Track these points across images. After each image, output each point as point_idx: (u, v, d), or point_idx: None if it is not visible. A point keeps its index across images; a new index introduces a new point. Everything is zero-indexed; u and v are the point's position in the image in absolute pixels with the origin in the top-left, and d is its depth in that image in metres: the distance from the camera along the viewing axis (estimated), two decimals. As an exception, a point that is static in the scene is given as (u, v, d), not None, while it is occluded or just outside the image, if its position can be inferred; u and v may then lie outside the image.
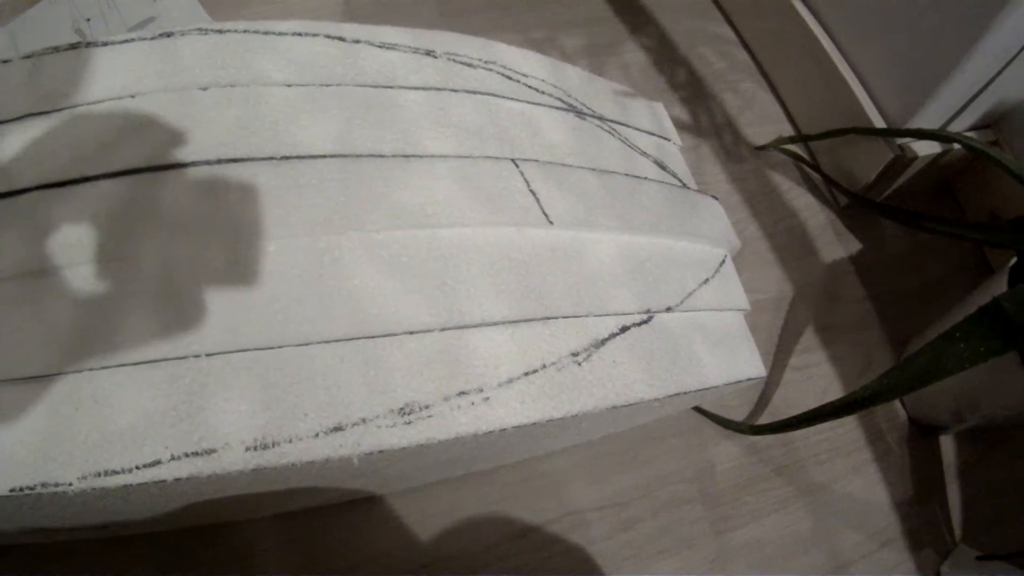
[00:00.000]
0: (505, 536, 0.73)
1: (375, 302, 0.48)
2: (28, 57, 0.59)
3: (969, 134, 1.01)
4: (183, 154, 0.52)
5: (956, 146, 0.96)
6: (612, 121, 0.74)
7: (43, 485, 0.41)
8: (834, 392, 0.92)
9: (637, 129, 0.76)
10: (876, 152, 0.99)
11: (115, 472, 0.42)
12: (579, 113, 0.70)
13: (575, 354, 0.53)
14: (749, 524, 0.81)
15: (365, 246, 0.50)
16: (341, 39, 0.63)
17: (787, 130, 1.13)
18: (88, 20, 1.13)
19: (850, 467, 0.88)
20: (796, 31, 1.10)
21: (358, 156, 0.54)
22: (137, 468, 0.42)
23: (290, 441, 0.43)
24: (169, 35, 0.61)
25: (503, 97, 0.65)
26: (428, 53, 0.65)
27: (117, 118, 0.54)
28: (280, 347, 0.46)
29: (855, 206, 1.06)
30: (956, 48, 0.88)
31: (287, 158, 0.53)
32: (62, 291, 0.47)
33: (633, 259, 0.62)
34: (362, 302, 0.48)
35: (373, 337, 0.47)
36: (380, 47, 0.63)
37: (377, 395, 0.45)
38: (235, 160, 0.52)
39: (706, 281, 0.67)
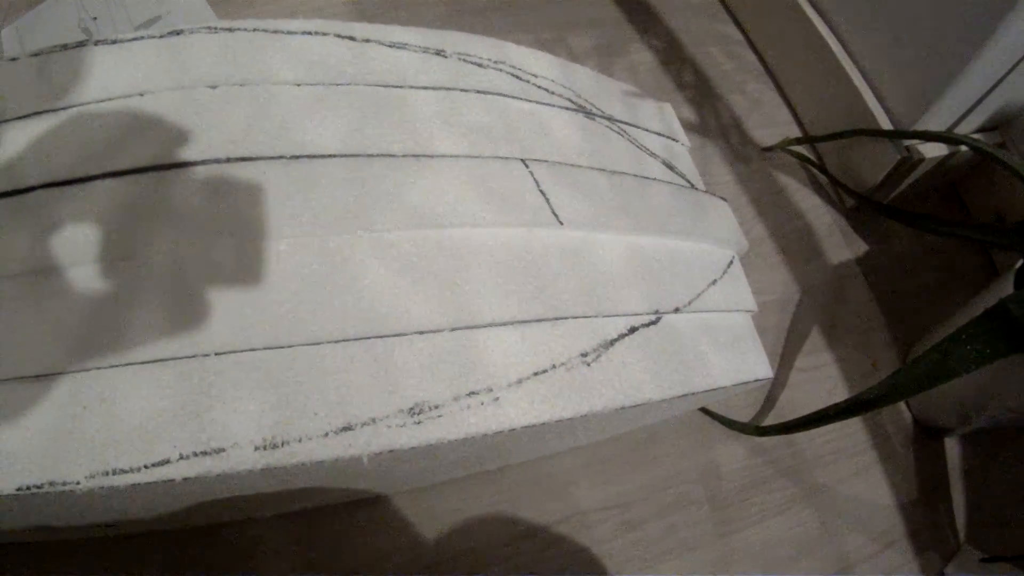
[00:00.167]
0: (510, 536, 0.73)
1: (385, 302, 0.48)
2: (36, 55, 0.59)
3: (976, 136, 1.01)
4: (192, 153, 0.52)
5: (963, 148, 0.95)
6: (621, 122, 0.74)
7: (51, 484, 0.41)
8: (840, 393, 0.92)
9: (646, 130, 0.76)
10: (883, 154, 0.99)
11: (124, 471, 0.42)
12: (588, 114, 0.70)
13: (584, 355, 0.53)
14: (754, 525, 0.81)
15: (375, 246, 0.50)
16: (351, 38, 0.63)
17: (794, 131, 1.12)
18: (95, 19, 1.13)
19: (855, 469, 0.88)
20: (803, 32, 1.10)
21: (368, 156, 0.54)
22: (146, 467, 0.42)
23: (299, 440, 0.43)
24: (178, 33, 0.61)
25: (513, 97, 0.65)
26: (438, 53, 0.65)
27: (125, 116, 0.54)
28: (289, 346, 0.46)
29: (862, 208, 1.06)
30: (963, 50, 0.88)
31: (297, 157, 0.53)
32: (69, 290, 0.47)
33: (641, 260, 0.62)
34: (372, 302, 0.48)
35: (383, 337, 0.47)
36: (390, 46, 0.63)
37: (387, 395, 0.45)
38: (244, 159, 0.52)
39: (714, 282, 0.67)
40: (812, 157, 1.10)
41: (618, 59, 1.11)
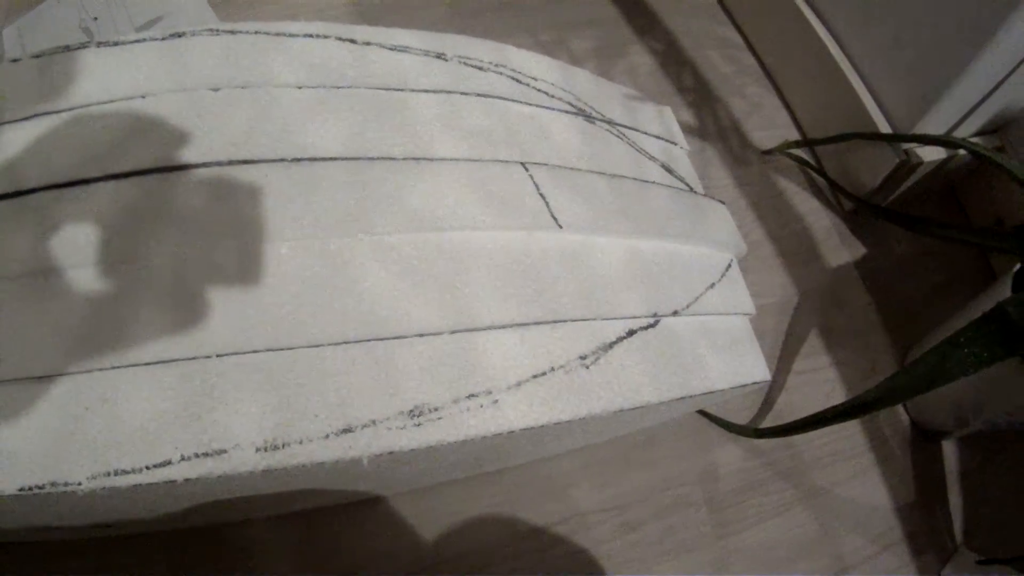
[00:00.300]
0: (509, 537, 0.73)
1: (385, 304, 0.48)
2: (38, 56, 0.59)
3: (974, 140, 1.01)
4: (193, 155, 0.52)
5: (961, 152, 0.96)
6: (621, 125, 0.74)
7: (52, 484, 0.42)
8: (838, 396, 0.92)
9: (645, 133, 0.77)
10: (881, 157, 0.99)
11: (125, 472, 0.42)
12: (588, 117, 0.70)
13: (583, 357, 0.53)
14: (752, 527, 0.81)
15: (376, 249, 0.50)
16: (352, 41, 0.63)
17: (793, 134, 1.13)
18: (95, 19, 1.12)
19: (853, 471, 0.88)
20: (802, 35, 1.10)
21: (369, 159, 0.54)
22: (147, 468, 0.42)
23: (300, 442, 0.43)
24: (180, 35, 0.61)
25: (513, 100, 0.65)
26: (439, 56, 0.65)
27: (127, 118, 0.54)
28: (290, 348, 0.46)
29: (860, 211, 1.07)
30: (962, 54, 0.88)
31: (298, 160, 0.53)
32: (71, 291, 0.47)
33: (640, 263, 0.62)
34: (372, 304, 0.48)
35: (383, 339, 0.47)
36: (391, 49, 0.64)
37: (387, 397, 0.45)
38: (246, 162, 0.52)
39: (712, 285, 0.68)
40: (811, 160, 1.10)
41: (618, 61, 1.11)
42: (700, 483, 0.81)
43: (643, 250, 0.63)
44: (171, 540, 0.67)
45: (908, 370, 0.65)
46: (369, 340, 0.47)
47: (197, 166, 0.52)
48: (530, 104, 0.66)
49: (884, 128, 1.00)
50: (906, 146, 0.97)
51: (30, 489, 0.42)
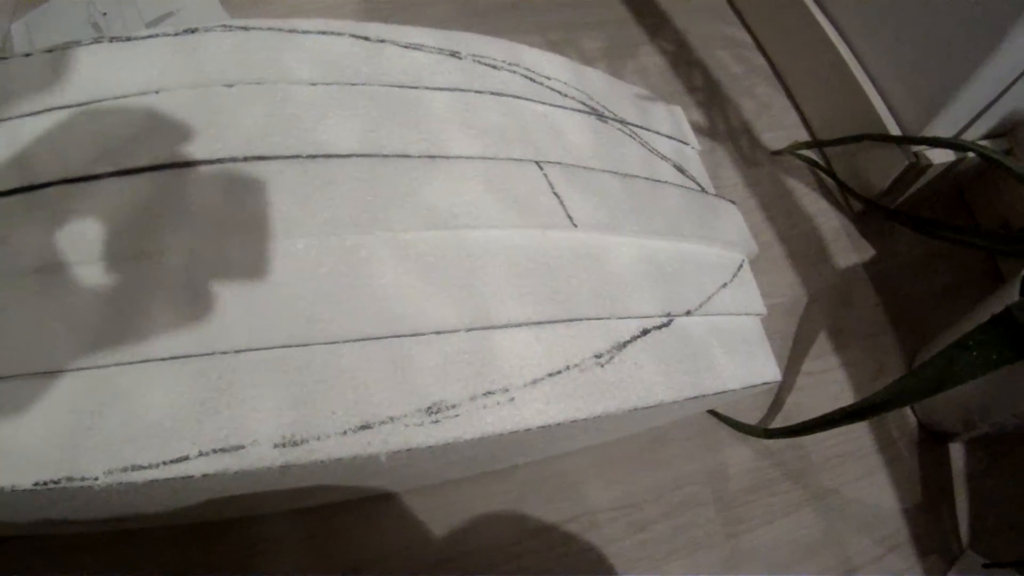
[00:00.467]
0: (520, 535, 0.73)
1: (402, 302, 0.48)
2: (50, 51, 0.59)
3: (983, 143, 1.01)
4: (207, 151, 0.52)
5: (970, 154, 0.96)
6: (632, 124, 0.74)
7: (68, 479, 0.42)
8: (846, 397, 0.92)
9: (657, 133, 0.77)
10: (891, 159, 0.99)
11: (141, 467, 0.42)
12: (601, 116, 0.70)
13: (598, 356, 0.53)
14: (760, 527, 0.81)
15: (392, 246, 0.50)
16: (366, 38, 0.63)
17: (802, 135, 1.13)
18: (104, 14, 1.12)
19: (860, 472, 0.88)
20: (812, 36, 1.10)
21: (384, 156, 0.54)
22: (164, 464, 0.42)
23: (318, 438, 0.43)
24: (193, 31, 0.61)
25: (526, 99, 0.65)
26: (453, 54, 0.65)
27: (141, 114, 0.55)
28: (307, 345, 0.46)
29: (869, 212, 1.07)
30: (971, 57, 0.88)
31: (313, 157, 0.53)
32: (84, 286, 0.47)
33: (653, 262, 0.62)
34: (389, 301, 0.48)
35: (400, 336, 0.47)
36: (405, 47, 0.64)
37: (405, 394, 0.45)
38: (261, 158, 0.52)
39: (724, 285, 0.68)
40: (820, 161, 1.10)
41: (628, 61, 1.11)
42: (710, 482, 0.81)
43: (656, 250, 0.63)
44: (179, 535, 0.67)
45: (916, 373, 0.66)
46: (386, 337, 0.47)
47: (211, 162, 0.52)
48: (543, 103, 0.66)
49: (893, 129, 1.00)
50: (915, 148, 0.97)
51: (45, 484, 0.42)
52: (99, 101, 0.55)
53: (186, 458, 0.42)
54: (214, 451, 0.42)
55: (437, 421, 0.45)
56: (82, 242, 0.48)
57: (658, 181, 0.69)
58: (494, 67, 0.67)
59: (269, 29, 0.62)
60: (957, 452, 0.94)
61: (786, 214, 1.04)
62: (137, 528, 0.66)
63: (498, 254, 0.53)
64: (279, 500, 0.60)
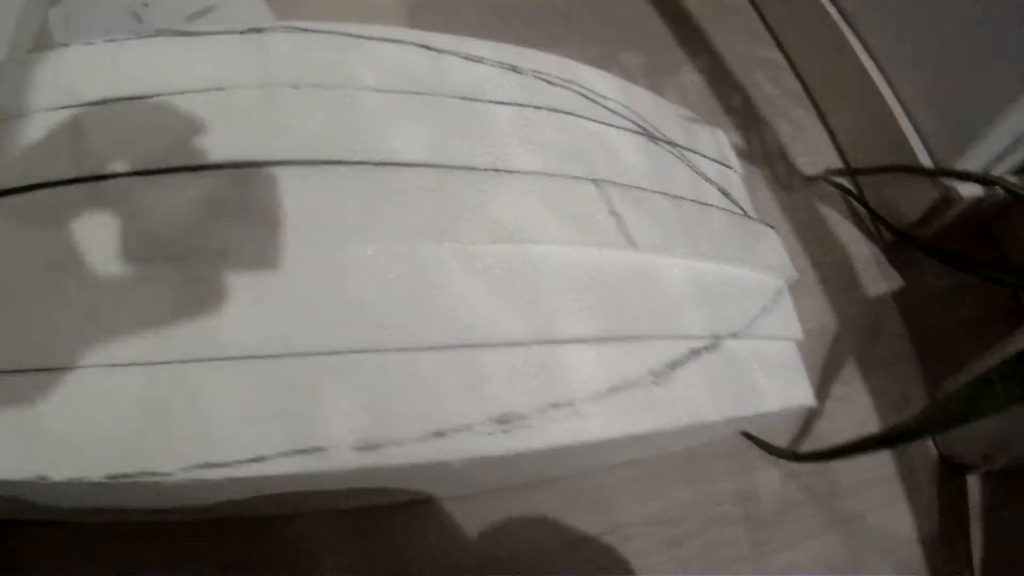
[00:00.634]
0: (557, 544, 0.74)
1: (471, 312, 0.49)
2: (111, 41, 0.60)
3: (1012, 178, 1.02)
4: (277, 152, 0.53)
5: (999, 189, 0.97)
6: (680, 146, 0.75)
7: (141, 473, 0.43)
8: (872, 424, 0.93)
9: (702, 155, 0.78)
10: (921, 190, 1.00)
11: (217, 465, 0.43)
12: (651, 137, 0.72)
13: (654, 374, 0.54)
14: (786, 549, 0.82)
15: (461, 257, 0.51)
16: (429, 48, 0.64)
17: (835, 160, 1.14)
18: (146, 5, 1.11)
19: (883, 499, 0.89)
20: (846, 63, 1.11)
21: (450, 167, 0.55)
22: (240, 462, 0.43)
23: (396, 444, 0.44)
24: (258, 31, 0.62)
25: (582, 117, 0.66)
26: (512, 69, 0.66)
27: (210, 110, 0.55)
28: (378, 351, 0.47)
29: (899, 242, 1.08)
30: (1004, 92, 0.89)
31: (381, 164, 0.54)
32: (154, 280, 0.48)
33: (701, 285, 0.63)
34: (459, 311, 0.49)
35: (471, 346, 0.48)
36: (466, 59, 0.65)
37: (476, 403, 0.47)
38: (329, 162, 0.53)
39: (765, 310, 0.69)
40: (852, 188, 1.11)
41: (667, 78, 1.12)
42: (740, 503, 0.82)
43: (703, 272, 0.64)
44: (219, 530, 0.68)
45: (941, 405, 0.67)
46: (457, 346, 0.48)
47: (280, 163, 0.53)
48: (598, 122, 0.68)
49: (924, 160, 1.01)
50: (946, 181, 0.98)
51: (118, 477, 0.43)
52: (164, 95, 0.56)
53: (264, 458, 0.43)
54: (293, 452, 0.43)
55: (508, 431, 0.46)
56: (150, 236, 0.49)
57: (704, 204, 0.70)
58: (551, 83, 0.68)
59: (333, 33, 0.63)
60: (975, 484, 0.95)
61: (818, 240, 1.05)
62: (171, 521, 0.66)
63: (559, 269, 0.54)
64: (327, 500, 0.61)
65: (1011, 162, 1.00)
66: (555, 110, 0.65)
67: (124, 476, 0.43)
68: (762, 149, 1.11)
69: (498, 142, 0.59)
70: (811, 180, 1.10)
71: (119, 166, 0.52)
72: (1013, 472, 0.95)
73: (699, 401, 0.56)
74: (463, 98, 0.61)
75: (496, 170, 0.57)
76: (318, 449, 0.43)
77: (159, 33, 0.61)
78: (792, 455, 0.80)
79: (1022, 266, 1.09)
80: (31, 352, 0.45)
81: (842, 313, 1.00)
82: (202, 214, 0.50)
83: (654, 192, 0.65)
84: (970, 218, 1.06)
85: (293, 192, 0.51)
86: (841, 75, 1.14)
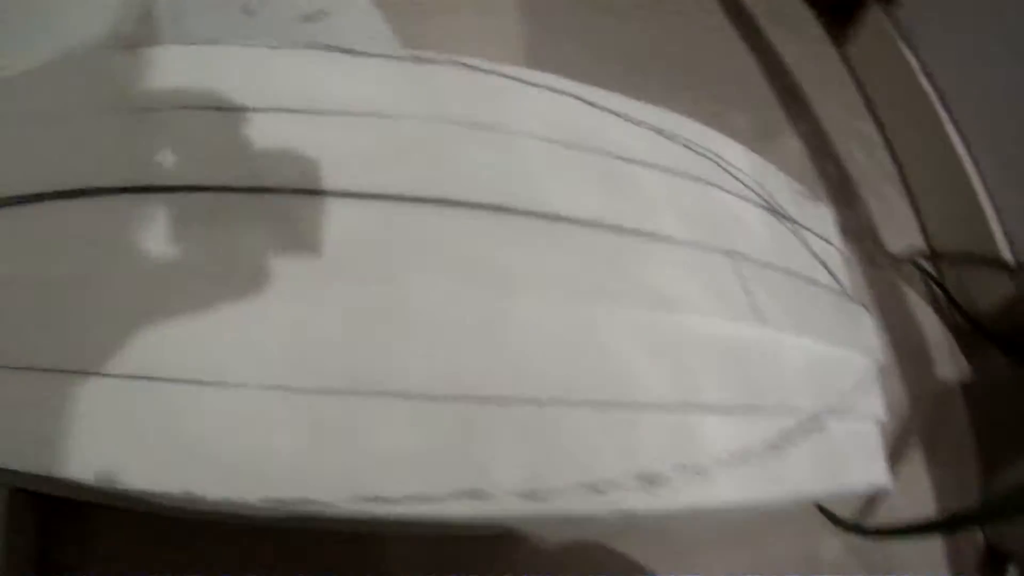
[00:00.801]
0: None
1: (627, 373, 0.52)
2: (253, 47, 0.62)
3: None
4: (441, 189, 0.55)
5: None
6: (796, 222, 0.78)
7: (303, 501, 0.44)
8: (928, 504, 0.95)
9: (813, 232, 0.81)
10: (1000, 283, 1.03)
11: (386, 500, 0.45)
12: (774, 212, 0.75)
13: (771, 447, 0.58)
14: (844, 618, 0.85)
15: (618, 318, 0.54)
16: (585, 101, 0.67)
17: (919, 240, 1.16)
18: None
19: (931, 579, 0.92)
20: (940, 147, 1.14)
21: (608, 227, 0.58)
22: (410, 500, 0.45)
23: (555, 494, 0.47)
24: (421, 60, 0.64)
25: (719, 187, 0.69)
26: (660, 132, 0.69)
27: (372, 135, 0.57)
28: (542, 402, 0.50)
29: (973, 330, 1.10)
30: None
31: (547, 216, 0.57)
32: (328, 304, 0.49)
33: (811, 362, 0.66)
34: (615, 371, 0.52)
35: (624, 406, 0.51)
36: (621, 117, 0.68)
37: (627, 461, 0.49)
38: (500, 208, 0.56)
39: (860, 389, 0.71)
40: (933, 271, 1.14)
41: (769, 143, 1.15)
42: (803, 568, 0.85)
43: (813, 350, 0.67)
44: (309, 540, 0.71)
45: (996, 498, 0.69)
46: (613, 405, 0.51)
47: (450, 203, 0.55)
48: (732, 193, 0.70)
49: (1007, 255, 1.03)
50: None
51: (273, 501, 0.44)
52: (324, 113, 0.58)
53: (432, 498, 0.45)
54: (462, 494, 0.45)
55: (653, 490, 0.49)
56: (318, 258, 0.50)
57: (815, 281, 0.73)
58: (693, 150, 0.71)
59: (495, 73, 0.66)
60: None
61: (897, 319, 1.08)
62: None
63: (702, 339, 0.57)
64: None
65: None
66: (697, 179, 0.68)
67: (281, 501, 0.44)
68: (853, 223, 1.14)
69: (648, 206, 0.62)
70: (892, 258, 1.13)
71: (283, 180, 0.53)
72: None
73: (806, 476, 0.59)
74: (618, 157, 0.64)
75: (649, 235, 0.59)
76: (485, 494, 0.46)
77: (312, 45, 0.63)
78: (858, 529, 0.83)
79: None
80: (186, 360, 0.46)
81: (911, 393, 1.03)
82: (371, 243, 0.51)
83: (776, 269, 0.68)
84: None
85: (464, 234, 0.53)
86: (933, 158, 1.16)
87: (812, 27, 1.38)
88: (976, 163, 1.10)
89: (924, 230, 1.18)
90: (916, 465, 0.98)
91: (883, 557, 0.90)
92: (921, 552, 0.92)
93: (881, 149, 1.25)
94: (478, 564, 0.74)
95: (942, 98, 1.17)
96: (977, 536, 0.97)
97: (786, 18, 1.36)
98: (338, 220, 0.52)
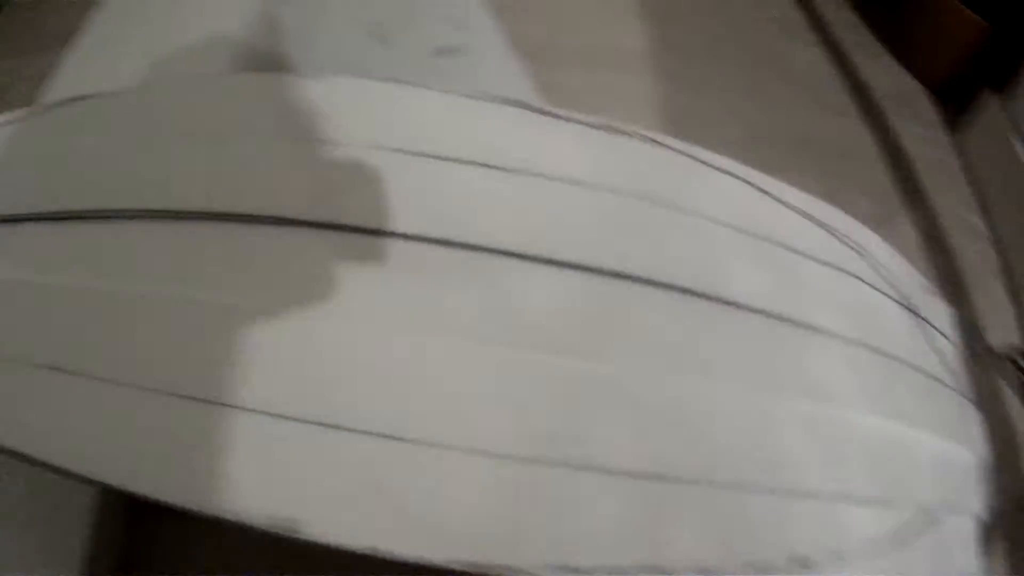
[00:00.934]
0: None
1: (791, 460, 0.57)
2: (430, 90, 0.65)
3: None
4: (646, 269, 0.58)
5: None
6: (924, 319, 0.82)
7: (495, 566, 0.47)
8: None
9: (938, 330, 0.85)
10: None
11: (578, 570, 0.47)
12: (911, 310, 0.79)
13: (900, 539, 0.61)
14: None
15: (788, 409, 0.59)
16: (766, 193, 0.71)
17: (1016, 337, 1.19)
18: (380, 24, 1.15)
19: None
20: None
21: (777, 317, 0.62)
22: (598, 570, 0.48)
23: (721, 572, 0.51)
24: (611, 130, 0.68)
25: (865, 282, 0.74)
26: (820, 224, 0.73)
27: (573, 203, 0.60)
28: (716, 484, 0.53)
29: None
30: None
31: (727, 302, 0.60)
32: (531, 371, 0.52)
33: (934, 457, 0.70)
34: (782, 458, 0.57)
35: (786, 491, 0.56)
36: (791, 208, 0.72)
37: (784, 544, 0.54)
38: (687, 291, 0.59)
39: (968, 487, 0.75)
40: (1028, 369, 1.17)
41: (888, 229, 1.19)
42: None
43: (936, 446, 0.71)
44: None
45: None
46: (776, 491, 0.55)
47: (650, 282, 0.58)
48: (875, 288, 0.75)
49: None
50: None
51: (471, 563, 0.46)
52: (521, 171, 0.61)
53: (619, 570, 0.48)
54: (644, 568, 0.49)
55: (803, 572, 0.53)
56: (521, 324, 0.53)
57: (938, 378, 0.77)
58: (847, 245, 0.75)
59: (684, 153, 0.69)
60: None
61: (991, 415, 1.11)
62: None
63: (854, 432, 0.62)
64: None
65: None
66: (848, 272, 0.72)
67: (474, 564, 0.46)
68: (959, 316, 1.17)
69: (814, 300, 0.66)
70: (994, 354, 1.16)
71: (486, 240, 0.55)
72: None
73: (924, 568, 0.64)
74: (788, 248, 0.68)
75: (811, 327, 0.64)
76: (663, 569, 0.49)
77: (506, 101, 0.66)
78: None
79: None
80: (385, 415, 0.48)
81: (1000, 488, 1.05)
82: (579, 315, 0.54)
83: (910, 365, 0.72)
84: None
85: (665, 316, 0.57)
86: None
87: (930, 112, 1.42)
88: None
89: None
90: (998, 559, 1.01)
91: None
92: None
93: (988, 244, 1.28)
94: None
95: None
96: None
97: (906, 101, 1.40)
98: (545, 287, 0.55)
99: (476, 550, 0.46)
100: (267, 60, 1.08)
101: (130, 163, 0.61)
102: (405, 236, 0.55)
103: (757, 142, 1.17)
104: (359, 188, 0.58)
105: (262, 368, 0.50)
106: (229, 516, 0.46)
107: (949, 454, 0.74)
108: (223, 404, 0.48)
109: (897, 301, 0.77)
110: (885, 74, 1.42)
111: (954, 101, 1.41)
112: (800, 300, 0.65)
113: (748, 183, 0.72)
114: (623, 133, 0.68)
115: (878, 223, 1.16)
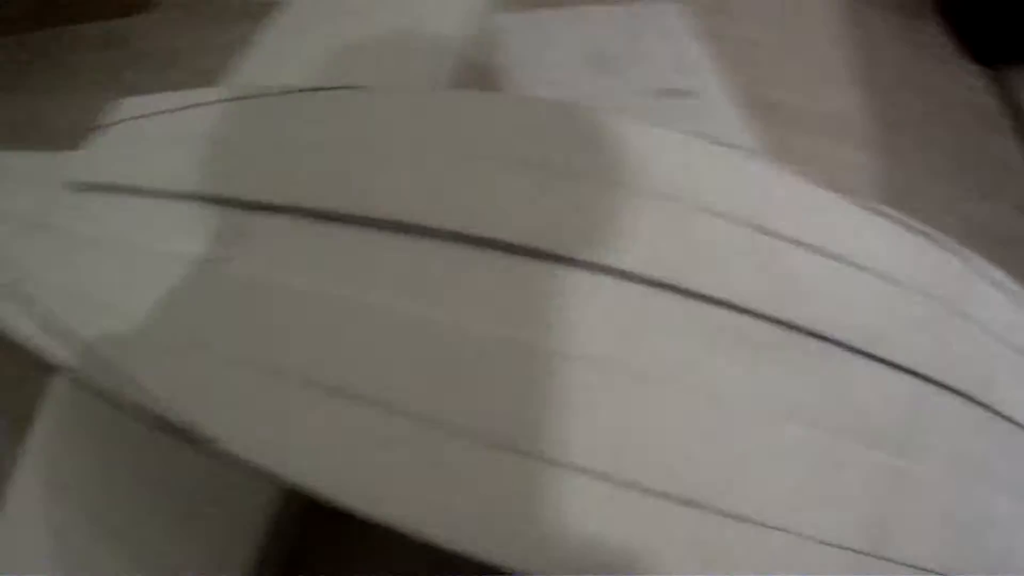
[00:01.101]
0: None
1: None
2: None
3: None
4: (958, 382, 0.57)
5: None
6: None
7: None
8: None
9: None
10: None
11: None
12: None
13: None
14: None
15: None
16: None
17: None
18: (601, 54, 1.14)
19: None
20: None
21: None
22: None
23: None
24: (911, 228, 0.64)
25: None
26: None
27: (891, 300, 0.58)
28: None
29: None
30: None
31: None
32: (860, 465, 0.51)
33: None
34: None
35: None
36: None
37: None
38: (986, 406, 0.57)
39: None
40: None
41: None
42: None
43: None
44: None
45: None
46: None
47: (959, 393, 0.57)
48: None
49: None
50: None
51: None
52: (836, 257, 0.58)
53: None
54: None
55: None
56: (849, 418, 0.52)
57: None
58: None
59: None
60: None
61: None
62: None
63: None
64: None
65: None
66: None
67: None
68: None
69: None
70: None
71: (825, 328, 0.54)
72: None
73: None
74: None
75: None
76: None
77: (804, 175, 0.62)
78: None
79: None
80: (730, 494, 0.48)
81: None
82: (902, 416, 0.53)
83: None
84: None
85: (964, 426, 0.57)
86: None
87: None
88: None
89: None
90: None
91: None
92: None
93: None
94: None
95: None
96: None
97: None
98: (881, 388, 0.54)
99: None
100: (486, 76, 1.08)
101: (393, 170, 0.60)
102: (738, 308, 0.54)
103: (971, 235, 1.08)
104: (618, 234, 0.55)
105: (582, 424, 0.49)
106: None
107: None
108: (547, 461, 0.48)
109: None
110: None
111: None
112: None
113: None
114: (924, 235, 0.64)
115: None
